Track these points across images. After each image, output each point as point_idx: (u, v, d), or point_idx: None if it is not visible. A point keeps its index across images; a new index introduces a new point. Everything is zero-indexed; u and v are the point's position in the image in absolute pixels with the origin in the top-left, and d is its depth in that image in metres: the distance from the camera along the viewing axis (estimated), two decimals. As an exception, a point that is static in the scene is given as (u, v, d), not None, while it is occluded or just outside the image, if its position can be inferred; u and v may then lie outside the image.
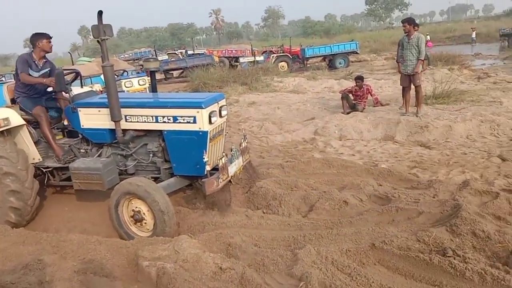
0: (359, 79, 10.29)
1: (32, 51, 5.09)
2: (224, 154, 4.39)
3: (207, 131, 4.22)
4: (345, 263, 3.33)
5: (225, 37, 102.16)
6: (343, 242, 3.74)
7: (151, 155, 4.65)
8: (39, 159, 5.03)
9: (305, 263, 3.31)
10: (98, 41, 4.11)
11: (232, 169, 4.46)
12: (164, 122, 4.34)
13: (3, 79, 17.92)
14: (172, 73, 26.35)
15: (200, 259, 3.42)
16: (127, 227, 4.32)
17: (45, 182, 5.15)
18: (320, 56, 26.53)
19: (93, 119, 4.72)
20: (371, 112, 9.40)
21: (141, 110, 4.47)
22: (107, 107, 4.40)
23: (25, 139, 4.96)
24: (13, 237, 4.54)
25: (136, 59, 34.47)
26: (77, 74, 5.56)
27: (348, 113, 9.75)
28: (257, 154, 7.17)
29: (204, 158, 4.01)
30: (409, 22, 8.57)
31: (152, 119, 4.41)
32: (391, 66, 20.77)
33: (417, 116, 8.34)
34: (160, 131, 4.44)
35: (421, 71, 8.76)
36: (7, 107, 5.15)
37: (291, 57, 26.43)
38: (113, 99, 4.26)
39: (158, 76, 23.18)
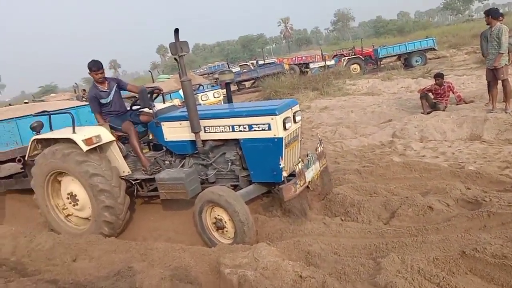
0: (439, 76, 9.72)
1: (94, 80, 5.52)
2: (300, 159, 4.37)
3: (282, 138, 4.24)
4: (432, 272, 3.13)
5: (295, 44, 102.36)
6: (430, 250, 3.52)
7: (229, 163, 4.80)
8: (128, 172, 5.33)
9: (389, 272, 3.16)
10: (175, 58, 4.34)
11: (309, 174, 4.42)
12: (240, 131, 4.46)
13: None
14: (245, 84, 26.91)
15: (280, 267, 3.41)
16: (210, 233, 4.49)
17: (135, 193, 5.48)
18: (394, 55, 25.56)
19: (175, 132, 5.00)
20: (454, 111, 8.82)
21: (218, 120, 4.62)
22: (187, 120, 4.62)
23: (116, 154, 5.28)
24: (106, 245, 4.89)
25: (211, 73, 35.72)
26: (159, 91, 5.88)
27: (428, 113, 9.24)
28: (332, 160, 7.03)
29: (280, 165, 4.03)
30: (489, 13, 8.05)
31: (229, 129, 4.55)
32: (473, 61, 19.35)
33: (506, 112, 7.67)
34: (237, 139, 4.56)
35: (508, 64, 8.06)
36: (97, 125, 5.56)
37: (363, 59, 25.74)
38: (192, 112, 4.47)
39: (232, 87, 23.81)
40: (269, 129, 4.26)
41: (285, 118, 4.26)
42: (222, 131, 4.62)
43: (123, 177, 5.28)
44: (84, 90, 25.25)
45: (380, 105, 11.52)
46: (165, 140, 5.14)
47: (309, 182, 4.37)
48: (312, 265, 3.52)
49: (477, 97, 10.16)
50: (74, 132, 4.95)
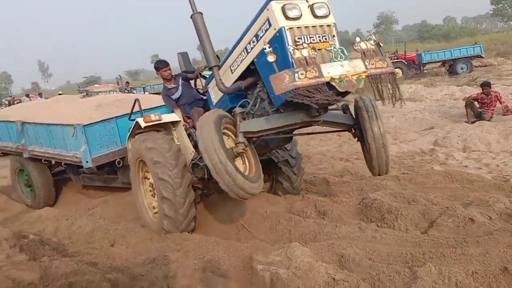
0: (486, 85, 9.37)
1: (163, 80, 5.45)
2: (307, 44, 3.35)
3: (283, 27, 3.41)
4: (471, 286, 3.04)
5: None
6: (469, 263, 3.41)
7: (258, 100, 4.07)
8: (193, 153, 4.90)
9: (425, 282, 3.09)
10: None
11: (333, 69, 3.27)
12: (252, 48, 3.81)
13: (134, 91, 19.90)
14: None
15: (313, 268, 3.41)
16: None
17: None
18: (438, 61, 24.81)
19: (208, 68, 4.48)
20: (500, 122, 8.49)
21: (233, 54, 4.12)
22: (224, 62, 4.25)
23: (184, 138, 4.96)
24: (143, 233, 5.05)
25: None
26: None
27: (473, 122, 8.94)
28: (370, 165, 6.92)
29: (287, 48, 3.31)
30: None
31: (244, 53, 3.94)
32: (524, 70, 18.51)
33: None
34: (253, 65, 3.86)
35: None
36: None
37: (406, 63, 25.09)
38: (206, 45, 4.19)
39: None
40: (270, 26, 3.46)
41: (286, 5, 3.40)
42: (241, 60, 3.94)
43: (191, 163, 4.86)
44: (127, 82, 25.95)
45: (422, 112, 11.26)
46: (213, 104, 4.73)
47: (331, 79, 3.24)
48: (346, 269, 3.49)
49: (526, 109, 9.72)
50: (141, 116, 4.86)
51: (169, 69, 5.38)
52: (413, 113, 11.17)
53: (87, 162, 5.66)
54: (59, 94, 18.27)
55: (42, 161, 6.67)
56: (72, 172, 7.00)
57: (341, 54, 3.37)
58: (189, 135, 5.02)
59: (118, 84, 25.85)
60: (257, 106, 3.97)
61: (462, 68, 23.54)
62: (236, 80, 4.09)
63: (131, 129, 5.12)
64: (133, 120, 5.13)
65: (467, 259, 3.46)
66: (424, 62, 24.65)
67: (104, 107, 6.42)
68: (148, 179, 5.06)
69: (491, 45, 34.75)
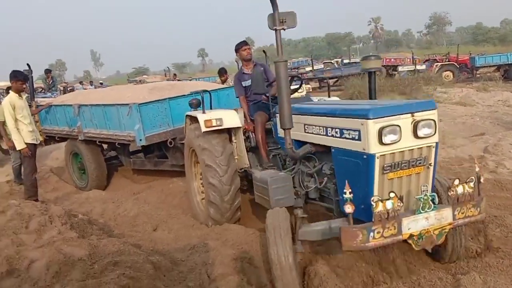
0: (546, 92, 8.87)
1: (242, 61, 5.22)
2: (394, 194, 2.83)
3: (374, 155, 2.97)
4: (517, 298, 2.92)
5: (383, 45, 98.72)
6: (516, 275, 3.27)
7: (325, 179, 3.71)
8: (247, 165, 4.94)
9: (469, 290, 3.01)
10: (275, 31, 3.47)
11: (415, 224, 2.88)
12: (332, 135, 3.40)
13: None
14: (327, 82, 26.54)
15: (352, 267, 3.40)
16: None
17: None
18: (493, 65, 23.72)
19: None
20: (558, 131, 8.01)
21: (314, 118, 3.69)
22: (301, 115, 3.81)
23: (241, 144, 4.95)
24: (184, 220, 5.20)
25: (294, 68, 35.85)
26: (298, 78, 5.34)
27: (528, 130, 8.49)
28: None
29: (372, 196, 2.84)
30: None
31: (323, 131, 3.53)
32: None
33: None
34: (329, 148, 3.50)
35: None
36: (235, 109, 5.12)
37: (458, 66, 24.21)
38: (284, 102, 3.41)
39: (312, 84, 23.60)
40: (359, 138, 3.06)
41: (385, 127, 2.94)
42: (318, 133, 3.61)
43: (242, 170, 4.91)
44: (175, 74, 26.61)
45: (472, 117, 10.82)
46: (278, 135, 4.43)
47: (410, 236, 2.88)
48: (385, 272, 3.44)
49: None
50: (204, 112, 4.82)
51: (249, 48, 5.14)
52: (463, 118, 10.75)
53: (140, 140, 5.86)
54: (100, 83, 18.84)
55: (97, 142, 6.97)
56: (124, 155, 7.30)
57: (430, 203, 2.89)
58: (247, 138, 4.98)
59: (165, 76, 26.54)
60: (323, 185, 3.70)
61: None
62: (307, 142, 3.80)
63: (188, 116, 5.17)
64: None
65: (514, 271, 3.32)
66: (478, 66, 23.77)
67: (157, 90, 6.63)
68: (199, 163, 5.10)
69: (552, 51, 32.72)
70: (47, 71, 15.25)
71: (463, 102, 13.73)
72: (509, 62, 22.78)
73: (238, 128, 4.93)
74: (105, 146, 7.72)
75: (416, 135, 3.01)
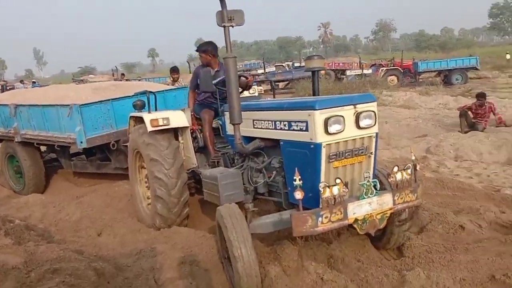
0: (481, 96, 9.43)
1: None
2: (339, 181, 2.96)
3: (320, 144, 3.10)
4: (459, 292, 3.03)
5: (332, 50, 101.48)
6: (457, 270, 3.40)
7: (274, 172, 3.78)
8: (195, 165, 4.83)
9: (413, 286, 3.11)
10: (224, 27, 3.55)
11: (359, 209, 3.01)
12: (281, 128, 3.50)
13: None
14: (278, 85, 26.87)
15: (302, 267, 3.39)
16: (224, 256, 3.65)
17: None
18: (434, 71, 25.10)
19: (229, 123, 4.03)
20: (493, 133, 8.53)
21: (262, 113, 3.79)
22: (250, 110, 3.87)
23: (189, 143, 4.84)
24: (130, 224, 4.99)
25: (246, 70, 35.98)
26: (246, 79, 5.18)
27: (466, 132, 8.98)
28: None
29: (319, 184, 2.93)
30: None
31: (272, 125, 3.62)
32: (517, 84, 18.70)
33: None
34: (279, 141, 3.58)
35: None
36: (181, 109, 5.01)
37: (401, 71, 25.34)
38: (234, 96, 3.51)
39: (264, 87, 23.79)
40: (306, 129, 3.19)
41: (330, 117, 3.08)
42: (267, 128, 3.70)
43: (191, 170, 4.80)
44: (123, 74, 25.86)
45: (416, 119, 11.30)
46: (226, 133, 4.49)
47: (355, 220, 3.00)
48: (335, 270, 3.47)
49: (519, 122, 9.80)
50: (149, 112, 4.71)
51: (201, 56, 5.04)
52: (407, 120, 11.21)
53: (81, 142, 5.60)
54: (33, 82, 18.00)
55: (34, 144, 6.60)
56: (64, 158, 6.94)
57: (372, 189, 3.06)
58: (194, 138, 4.91)
59: (113, 76, 25.70)
60: (272, 179, 3.78)
61: (457, 79, 23.91)
62: (255, 138, 3.88)
63: (132, 117, 5.03)
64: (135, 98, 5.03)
65: (455, 266, 3.45)
66: (420, 71, 24.99)
67: (101, 91, 6.39)
68: (145, 168, 4.97)
69: (486, 58, 35.12)
70: (-17, 69, 14.25)
71: (407, 105, 14.34)
72: (449, 68, 24.11)
73: (185, 128, 4.83)
74: (43, 148, 7.28)
75: (358, 126, 3.19)
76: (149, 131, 4.51)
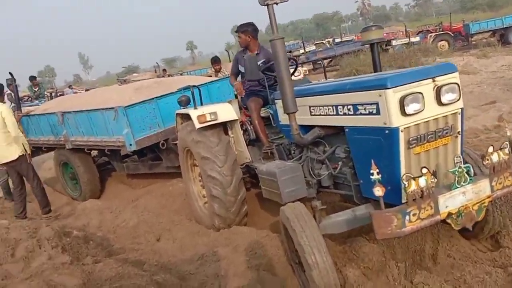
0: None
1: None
2: (426, 170, 2.49)
3: (397, 129, 2.64)
4: None
5: (373, 21, 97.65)
6: None
7: (340, 163, 3.40)
8: (248, 159, 4.53)
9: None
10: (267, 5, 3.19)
11: (452, 201, 2.57)
12: (344, 114, 3.06)
13: None
14: (320, 63, 26.05)
15: (385, 268, 2.98)
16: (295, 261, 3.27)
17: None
18: (488, 31, 23.42)
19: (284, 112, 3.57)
20: None
21: (320, 98, 3.35)
22: (305, 96, 3.48)
23: (240, 137, 4.56)
24: (188, 226, 4.76)
25: (287, 52, 35.33)
26: (293, 60, 4.85)
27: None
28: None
29: (402, 177, 2.53)
30: None
31: (333, 110, 3.19)
32: None
33: None
34: (343, 128, 3.16)
35: None
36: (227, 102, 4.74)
37: (452, 35, 23.82)
38: (285, 82, 3.15)
39: (306, 66, 23.08)
40: (377, 112, 2.72)
41: (406, 96, 2.61)
42: (327, 114, 3.27)
43: (244, 165, 4.51)
44: (164, 70, 26.05)
45: (479, 85, 10.35)
46: (280, 123, 4.15)
47: (448, 215, 2.57)
48: (424, 270, 3.02)
49: None
50: (195, 108, 4.42)
51: (240, 36, 4.79)
52: (470, 87, 10.27)
53: (130, 145, 5.46)
54: (86, 90, 18.28)
55: (85, 150, 6.59)
56: (116, 161, 6.88)
57: (465, 176, 2.60)
58: (244, 131, 4.63)
59: (155, 72, 25.95)
60: (338, 170, 3.39)
61: None
62: (314, 126, 3.48)
63: (178, 114, 4.80)
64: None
65: None
66: (472, 33, 23.50)
67: (143, 90, 6.20)
68: (197, 166, 4.70)
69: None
70: (32, 78, 14.66)
71: (465, 70, 13.22)
72: (504, 26, 22.39)
73: (235, 121, 4.50)
74: (95, 152, 7.26)
75: (440, 102, 2.71)
76: (197, 128, 4.23)
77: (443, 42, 23.10)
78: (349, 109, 3.00)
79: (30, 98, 14.83)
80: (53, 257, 3.33)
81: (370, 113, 2.79)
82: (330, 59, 24.97)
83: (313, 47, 30.40)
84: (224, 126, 4.53)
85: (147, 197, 6.19)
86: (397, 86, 2.62)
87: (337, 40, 31.57)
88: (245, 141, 4.61)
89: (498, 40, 22.01)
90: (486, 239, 3.42)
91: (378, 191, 2.40)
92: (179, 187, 6.07)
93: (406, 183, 2.43)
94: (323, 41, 34.76)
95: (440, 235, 3.53)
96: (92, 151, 7.00)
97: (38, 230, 3.88)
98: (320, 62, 25.60)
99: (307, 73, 14.69)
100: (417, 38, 24.07)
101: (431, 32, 25.20)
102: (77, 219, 5.74)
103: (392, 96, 2.61)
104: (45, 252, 3.40)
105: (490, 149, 2.67)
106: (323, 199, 3.70)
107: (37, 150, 7.41)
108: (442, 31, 24.88)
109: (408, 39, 23.37)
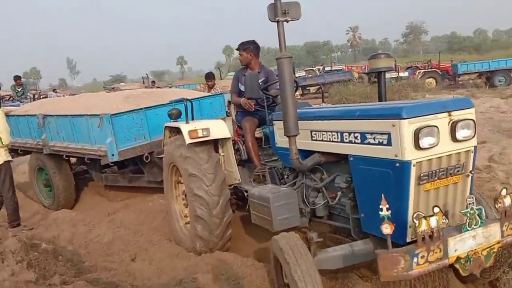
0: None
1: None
2: (438, 209, 2.31)
3: (410, 162, 2.46)
4: None
5: (361, 53, 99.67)
6: None
7: (339, 193, 3.19)
8: (238, 180, 4.34)
9: None
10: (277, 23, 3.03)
11: (461, 245, 2.38)
12: (350, 141, 2.88)
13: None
14: (309, 89, 26.23)
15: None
16: None
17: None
18: (475, 72, 24.01)
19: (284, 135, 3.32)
20: None
21: (324, 122, 3.19)
22: (305, 120, 3.27)
23: (231, 156, 4.36)
24: (167, 247, 4.45)
25: (277, 75, 35.53)
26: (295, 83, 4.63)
27: (531, 138, 8.09)
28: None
29: (405, 213, 2.42)
30: None
31: (337, 137, 3.02)
32: None
33: None
34: (347, 156, 2.98)
35: None
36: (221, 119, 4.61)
37: (440, 73, 24.40)
38: (289, 103, 2.96)
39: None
40: (389, 143, 2.55)
41: (422, 128, 2.45)
42: (330, 140, 3.10)
43: (233, 186, 4.34)
44: (154, 81, 25.79)
45: (468, 124, 10.38)
46: (276, 145, 3.92)
47: (457, 259, 2.37)
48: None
49: None
50: (187, 122, 4.25)
51: (240, 54, 4.66)
52: (459, 126, 10.31)
53: (113, 155, 5.16)
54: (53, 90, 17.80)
55: (64, 157, 6.28)
56: (95, 170, 6.53)
57: (477, 218, 2.43)
58: (236, 150, 4.44)
59: (143, 83, 25.63)
60: (336, 201, 3.19)
61: (500, 81, 23.16)
62: (313, 152, 3.32)
63: (167, 127, 4.58)
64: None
65: None
66: (460, 73, 24.03)
67: (132, 99, 5.92)
68: (182, 184, 4.46)
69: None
70: (16, 78, 14.25)
71: (454, 109, 13.41)
72: (491, 69, 23.04)
73: (227, 139, 4.31)
74: (73, 159, 6.90)
75: (454, 138, 2.57)
76: (187, 143, 3.99)
77: (430, 79, 23.62)
78: (356, 137, 2.82)
79: (12, 98, 14.37)
80: (17, 273, 2.99)
81: (380, 143, 2.62)
82: (319, 86, 25.17)
83: (303, 73, 30.67)
84: (215, 144, 4.33)
85: (125, 212, 5.85)
86: (413, 117, 2.46)
87: (327, 68, 31.99)
88: (236, 161, 4.40)
89: (484, 82, 22.66)
90: (483, 284, 3.25)
91: (387, 229, 2.21)
92: (160, 204, 5.77)
93: (417, 222, 2.23)
94: (313, 68, 35.14)
95: (435, 277, 3.35)
96: (71, 158, 6.65)
97: (3, 241, 3.53)
98: (308, 88, 25.97)
99: (299, 97, 14.69)
100: (406, 73, 24.57)
101: (420, 69, 25.79)
102: (48, 229, 5.37)
103: (407, 127, 2.45)
104: (8, 267, 3.06)
105: (504, 192, 2.48)
106: (313, 230, 3.48)
107: (12, 152, 7.03)
108: (430, 68, 25.45)
109: (397, 73, 23.77)
